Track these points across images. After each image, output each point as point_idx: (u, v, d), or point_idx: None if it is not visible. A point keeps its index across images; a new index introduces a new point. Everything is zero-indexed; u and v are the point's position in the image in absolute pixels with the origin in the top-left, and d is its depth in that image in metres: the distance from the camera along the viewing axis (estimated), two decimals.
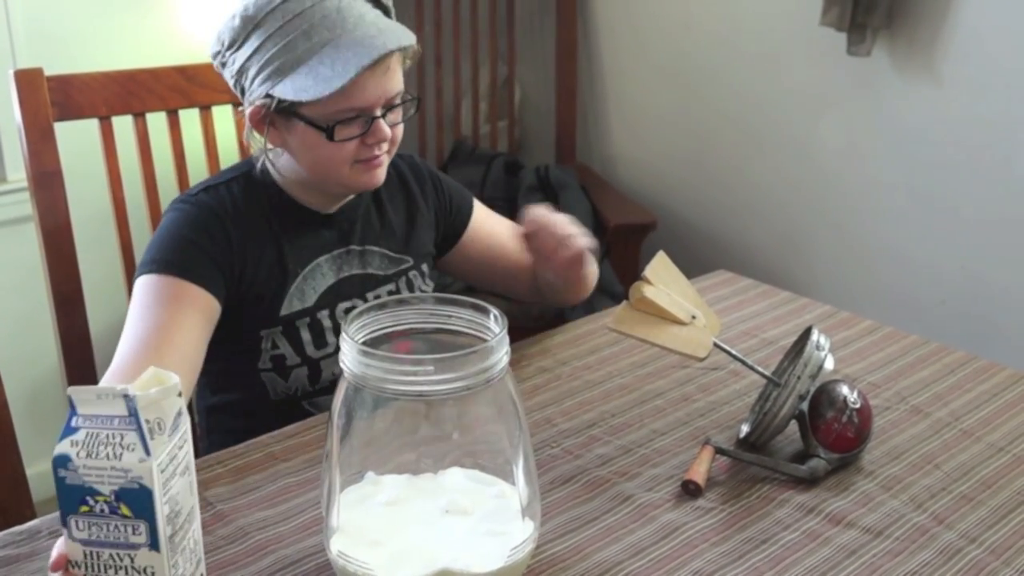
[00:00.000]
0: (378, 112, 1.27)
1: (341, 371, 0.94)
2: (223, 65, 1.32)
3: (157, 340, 1.21)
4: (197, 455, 1.24)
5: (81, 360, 1.54)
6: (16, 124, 1.48)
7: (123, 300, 1.59)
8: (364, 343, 0.95)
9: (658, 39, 2.79)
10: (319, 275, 1.36)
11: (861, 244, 2.48)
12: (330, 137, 1.26)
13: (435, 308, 1.02)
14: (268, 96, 1.27)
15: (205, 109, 1.64)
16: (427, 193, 1.48)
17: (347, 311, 1.36)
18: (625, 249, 2.59)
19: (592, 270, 1.44)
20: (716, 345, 1.24)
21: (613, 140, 2.99)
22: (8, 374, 1.35)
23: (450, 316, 1.00)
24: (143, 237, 1.60)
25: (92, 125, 1.55)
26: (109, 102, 1.55)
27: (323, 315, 1.36)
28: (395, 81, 1.29)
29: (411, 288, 1.44)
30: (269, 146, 1.32)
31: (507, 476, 0.99)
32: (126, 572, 0.83)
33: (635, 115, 2.92)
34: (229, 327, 1.31)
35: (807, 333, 1.24)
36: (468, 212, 1.51)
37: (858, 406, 1.18)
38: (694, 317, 1.24)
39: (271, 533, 1.06)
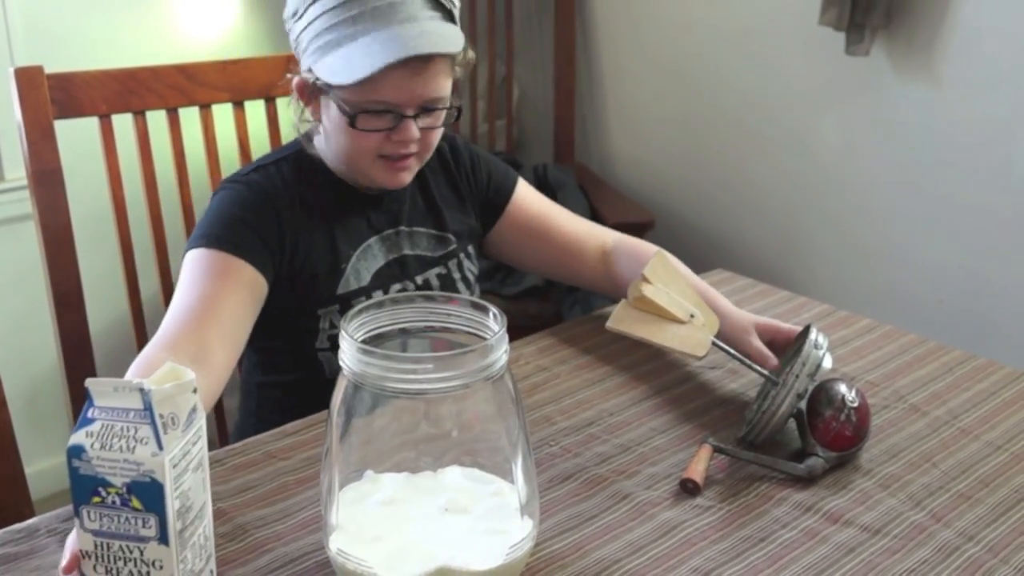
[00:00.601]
0: (410, 112, 1.27)
1: None
2: (288, 33, 1.34)
3: (201, 312, 1.21)
4: (247, 434, 1.27)
5: (81, 359, 1.54)
6: (16, 122, 1.48)
7: (123, 298, 1.60)
8: (363, 341, 0.95)
9: (656, 38, 2.79)
10: (371, 256, 1.38)
11: (859, 243, 2.48)
12: (352, 124, 1.27)
13: (434, 306, 1.02)
14: (310, 71, 1.29)
15: (205, 108, 1.64)
16: (467, 172, 1.49)
17: (400, 291, 1.39)
18: None
19: None
20: (715, 343, 1.24)
21: (611, 139, 2.99)
22: (7, 373, 1.35)
23: (449, 314, 1.00)
24: (143, 235, 1.60)
25: (91, 123, 1.55)
26: (109, 100, 1.55)
27: (377, 295, 1.37)
28: (436, 85, 1.28)
29: (460, 270, 1.45)
30: (310, 119, 1.34)
31: (506, 474, 0.99)
32: (135, 564, 0.84)
33: (633, 114, 2.93)
34: (285, 306, 1.32)
35: (806, 331, 1.24)
36: (509, 189, 1.50)
37: (856, 405, 1.18)
38: (693, 316, 1.24)
39: (270, 531, 1.06)
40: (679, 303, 1.24)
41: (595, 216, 2.64)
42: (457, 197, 1.48)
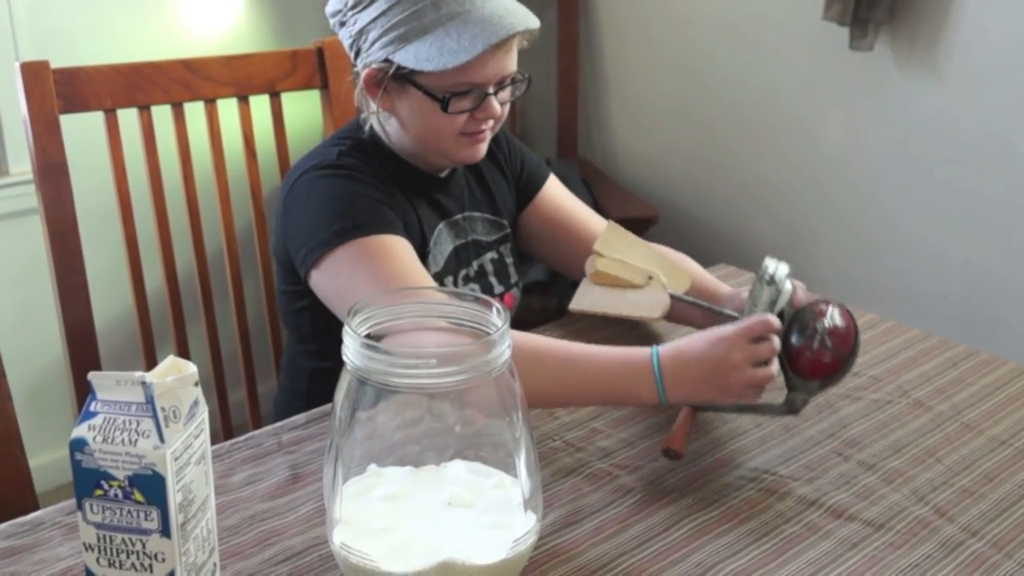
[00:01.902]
0: (491, 89, 1.30)
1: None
2: (342, 24, 1.34)
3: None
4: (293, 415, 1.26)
5: (85, 352, 1.54)
6: (21, 116, 1.48)
7: (127, 292, 1.60)
8: (367, 336, 0.96)
9: (660, 33, 2.78)
10: (443, 240, 1.40)
11: (863, 237, 2.48)
12: (444, 108, 1.28)
13: (438, 302, 1.02)
14: (387, 61, 1.29)
15: (210, 102, 1.64)
16: (506, 157, 1.51)
17: (465, 278, 1.41)
18: None
19: None
20: (673, 297, 1.21)
21: (615, 134, 2.99)
22: (12, 366, 1.35)
23: (453, 310, 1.01)
24: (148, 229, 1.61)
25: (96, 118, 1.55)
26: (114, 95, 1.55)
27: (448, 281, 1.39)
28: (512, 61, 1.31)
29: (512, 255, 1.48)
30: (380, 110, 1.34)
31: (509, 469, 1.00)
32: (138, 557, 0.84)
33: (637, 109, 2.92)
34: None
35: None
36: (541, 179, 1.52)
37: (831, 326, 1.15)
38: (651, 277, 1.22)
39: (275, 524, 1.07)
40: (636, 269, 1.22)
41: (598, 211, 2.64)
42: (505, 181, 1.50)
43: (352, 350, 0.93)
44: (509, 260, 1.48)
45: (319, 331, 1.39)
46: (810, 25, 2.38)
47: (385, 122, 1.37)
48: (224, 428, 1.69)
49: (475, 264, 1.43)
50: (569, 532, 1.06)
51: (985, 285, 2.27)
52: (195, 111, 1.64)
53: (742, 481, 1.15)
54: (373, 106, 1.34)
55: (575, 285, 2.68)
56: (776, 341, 1.14)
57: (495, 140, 1.49)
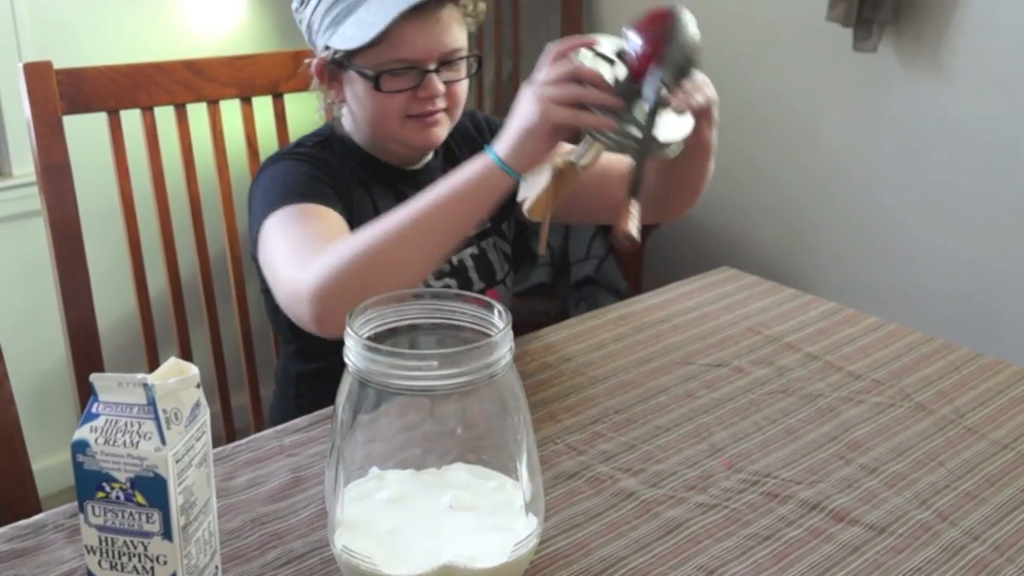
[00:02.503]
0: (431, 66, 1.28)
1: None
2: (300, 23, 1.35)
3: (324, 241, 1.20)
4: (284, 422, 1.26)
5: (88, 354, 1.54)
6: (24, 118, 1.49)
7: (131, 294, 1.60)
8: (369, 338, 0.95)
9: None
10: None
11: (866, 240, 2.47)
12: (377, 87, 1.27)
13: (439, 303, 1.02)
14: (327, 48, 1.30)
15: (213, 103, 1.65)
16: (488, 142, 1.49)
17: (438, 274, 1.40)
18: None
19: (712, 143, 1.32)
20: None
21: None
22: (14, 368, 1.36)
23: (454, 311, 1.01)
24: (151, 231, 1.61)
25: (100, 119, 1.55)
26: (117, 96, 1.56)
27: None
28: (451, 36, 1.29)
29: (495, 248, 1.46)
30: (335, 101, 1.35)
31: (511, 472, 0.99)
32: (139, 560, 0.84)
33: None
34: None
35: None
36: None
37: (642, 20, 1.14)
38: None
39: (277, 527, 1.07)
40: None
41: None
42: None
43: (353, 352, 0.93)
44: (493, 256, 1.46)
45: (295, 326, 1.38)
46: (814, 26, 2.38)
47: (345, 115, 1.37)
48: (227, 431, 1.69)
49: (453, 259, 1.41)
50: (571, 535, 1.06)
51: (989, 286, 2.27)
52: (198, 112, 1.64)
53: (743, 485, 1.15)
54: (329, 97, 1.35)
55: (578, 287, 2.68)
56: (576, 61, 1.13)
57: (477, 127, 1.48)
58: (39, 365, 2.35)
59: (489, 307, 0.99)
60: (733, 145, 2.71)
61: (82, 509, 0.84)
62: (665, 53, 1.12)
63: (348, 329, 0.94)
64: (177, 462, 0.82)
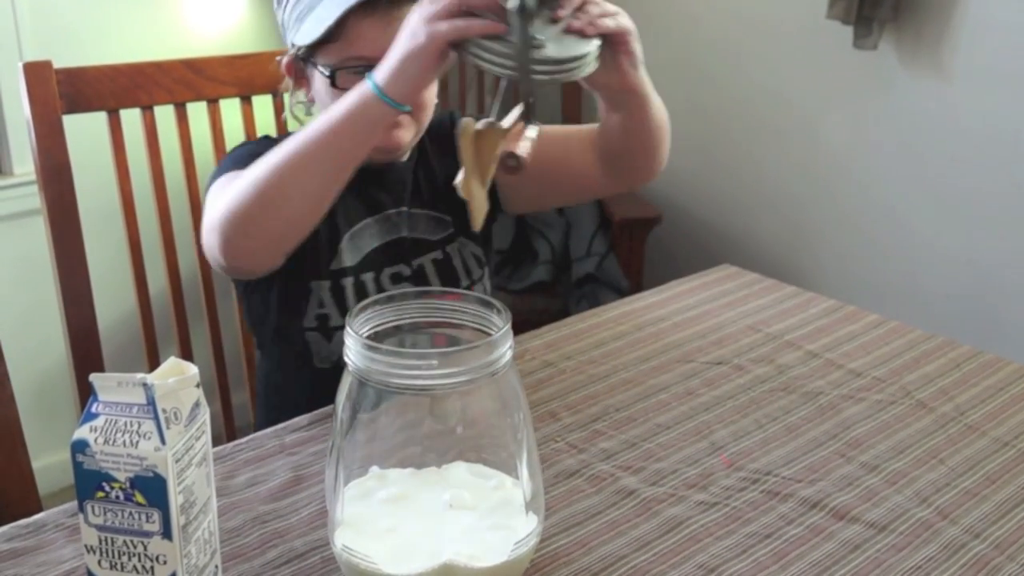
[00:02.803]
0: None
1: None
2: (278, 24, 1.35)
3: None
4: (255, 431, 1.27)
5: (89, 353, 1.54)
6: (24, 117, 1.49)
7: (131, 293, 1.60)
8: (368, 337, 0.95)
9: (664, 32, 2.78)
10: (367, 235, 1.37)
11: (867, 237, 2.47)
12: (333, 83, 1.26)
13: (439, 302, 1.02)
14: (293, 45, 1.30)
15: (213, 102, 1.65)
16: None
17: (393, 277, 1.37)
18: (630, 243, 2.59)
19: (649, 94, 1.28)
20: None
21: None
22: (15, 368, 1.36)
23: (454, 310, 1.00)
24: (151, 230, 1.61)
25: (100, 118, 1.55)
26: (117, 95, 1.55)
27: (367, 277, 1.36)
28: None
29: (461, 255, 1.43)
30: (307, 100, 1.35)
31: (511, 470, 0.99)
32: (139, 559, 0.84)
33: None
34: (281, 276, 1.31)
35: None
36: None
37: None
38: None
39: (277, 526, 1.07)
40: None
41: (602, 210, 2.64)
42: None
43: (353, 351, 0.93)
44: (458, 262, 1.42)
45: (255, 319, 1.38)
46: (814, 24, 2.38)
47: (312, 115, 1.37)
48: (227, 429, 1.69)
49: (414, 263, 1.39)
50: (571, 534, 1.06)
51: (989, 284, 2.27)
52: (198, 111, 1.64)
53: (744, 483, 1.15)
54: (300, 96, 1.35)
55: (579, 285, 2.68)
56: None
57: (454, 125, 1.46)
58: (39, 364, 2.35)
59: (489, 306, 0.99)
60: (734, 143, 2.71)
61: (82, 509, 0.84)
62: None
63: (348, 328, 0.94)
64: (177, 462, 0.82)
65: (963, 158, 2.25)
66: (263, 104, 1.69)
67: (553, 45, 1.06)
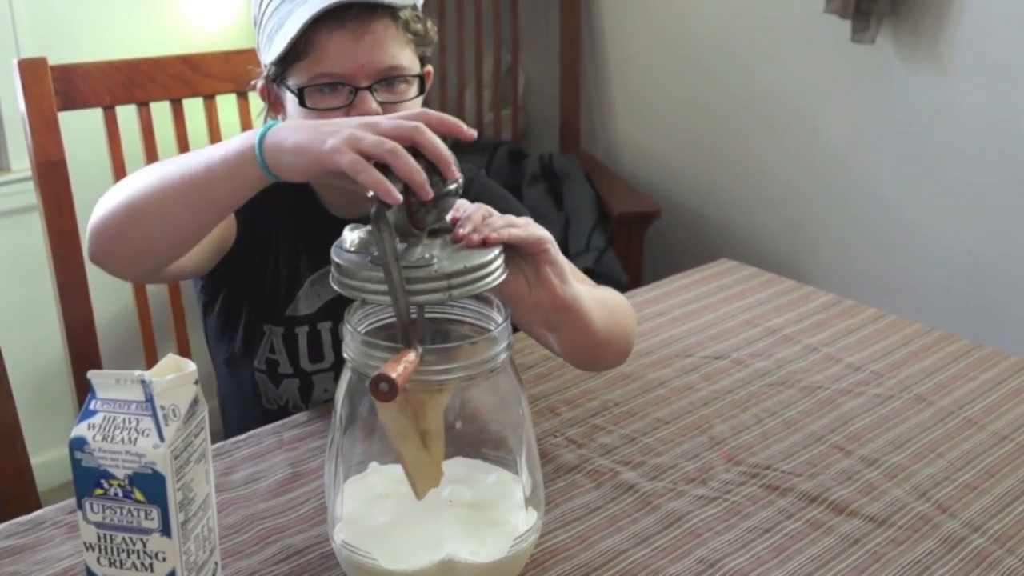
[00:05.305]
0: (363, 84, 1.18)
1: (334, 386, 0.91)
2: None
3: None
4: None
5: (86, 350, 1.54)
6: (20, 113, 1.48)
7: (127, 289, 1.60)
8: (367, 333, 0.95)
9: (662, 26, 2.78)
10: (327, 284, 1.27)
11: (866, 231, 2.47)
12: (302, 102, 1.18)
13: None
14: (265, 66, 1.24)
15: (209, 98, 1.64)
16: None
17: None
18: (629, 238, 2.59)
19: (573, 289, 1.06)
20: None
21: (617, 128, 2.99)
22: (12, 364, 1.35)
23: (453, 306, 1.00)
24: None
25: (95, 114, 1.55)
26: (113, 91, 1.55)
27: (324, 327, 1.32)
28: (385, 52, 1.18)
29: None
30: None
31: (510, 466, 0.99)
32: (138, 556, 0.84)
33: (639, 103, 2.92)
34: (238, 312, 1.30)
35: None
36: None
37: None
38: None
39: (276, 522, 1.06)
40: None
41: (601, 206, 2.64)
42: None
43: (352, 347, 0.92)
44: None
45: (209, 341, 1.35)
46: (812, 18, 2.38)
47: None
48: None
49: None
50: (571, 529, 1.06)
51: (987, 278, 2.27)
52: (194, 107, 1.64)
53: (743, 477, 1.15)
54: (278, 121, 1.28)
55: None
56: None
57: (468, 185, 1.33)
58: (38, 360, 2.35)
59: (488, 302, 0.99)
60: (733, 138, 2.70)
61: (80, 506, 0.84)
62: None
63: (347, 324, 0.93)
64: (175, 458, 0.82)
65: (962, 152, 2.25)
66: (259, 100, 1.68)
67: (447, 260, 0.92)
